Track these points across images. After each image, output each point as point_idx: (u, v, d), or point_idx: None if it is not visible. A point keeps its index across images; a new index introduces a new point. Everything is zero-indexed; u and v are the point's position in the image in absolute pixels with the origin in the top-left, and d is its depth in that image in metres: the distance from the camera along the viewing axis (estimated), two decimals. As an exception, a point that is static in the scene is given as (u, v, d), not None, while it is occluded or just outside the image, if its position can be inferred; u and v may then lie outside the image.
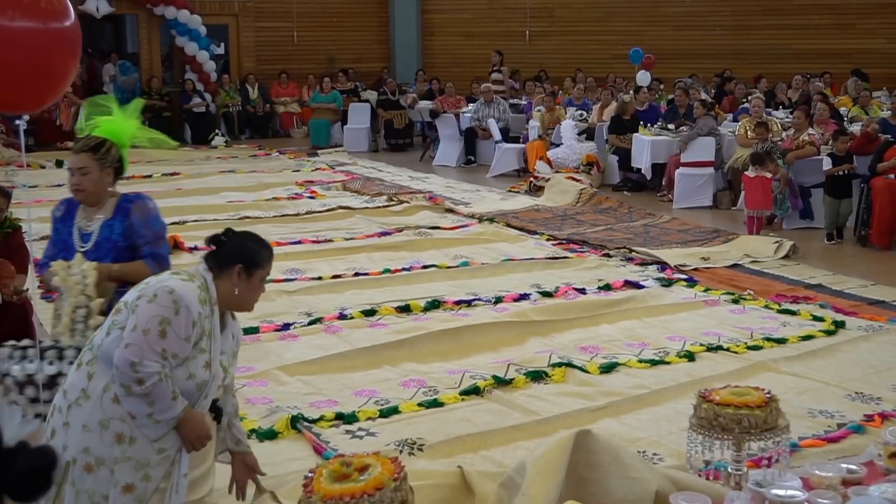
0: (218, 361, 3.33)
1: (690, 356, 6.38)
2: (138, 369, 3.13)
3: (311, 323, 7.08)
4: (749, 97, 13.60)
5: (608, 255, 9.25)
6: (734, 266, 8.93)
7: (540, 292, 7.90)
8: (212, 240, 3.49)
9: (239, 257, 3.39)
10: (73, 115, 16.92)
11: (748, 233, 10.12)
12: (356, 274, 8.52)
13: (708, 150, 12.16)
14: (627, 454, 3.91)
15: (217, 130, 18.43)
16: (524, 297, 7.80)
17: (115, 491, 3.19)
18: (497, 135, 15.33)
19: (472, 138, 15.89)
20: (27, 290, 5.73)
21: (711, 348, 6.53)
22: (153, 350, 3.15)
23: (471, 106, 16.59)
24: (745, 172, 10.38)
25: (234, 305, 3.42)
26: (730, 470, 3.43)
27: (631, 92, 14.86)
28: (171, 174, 14.25)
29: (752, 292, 7.90)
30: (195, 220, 10.73)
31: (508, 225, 10.65)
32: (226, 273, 3.37)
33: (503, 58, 19.36)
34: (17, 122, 3.24)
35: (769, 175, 10.20)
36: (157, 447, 3.22)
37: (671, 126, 13.25)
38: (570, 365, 6.14)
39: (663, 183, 12.75)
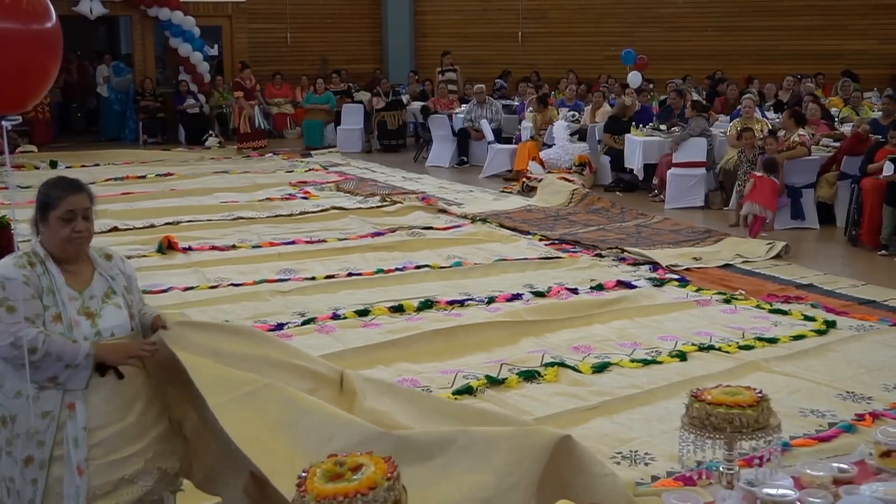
0: (73, 310, 3.40)
1: (682, 356, 6.40)
2: (20, 343, 3.24)
3: (304, 323, 7.10)
4: (743, 97, 13.63)
5: (600, 256, 9.28)
6: (726, 266, 8.96)
7: (532, 292, 7.92)
8: None
9: (36, 208, 3.45)
10: (245, 118, 16.92)
11: (751, 235, 10.07)
12: (349, 274, 8.54)
13: (700, 151, 12.19)
14: (597, 455, 3.94)
15: (211, 131, 18.41)
16: (517, 297, 7.82)
17: (18, 469, 3.32)
18: (490, 135, 15.36)
19: (464, 139, 15.91)
20: None
21: (703, 348, 6.55)
22: (15, 324, 3.26)
23: (464, 107, 16.61)
24: (755, 172, 10.36)
25: (58, 253, 3.44)
26: (721, 469, 3.44)
27: (633, 94, 14.85)
28: (165, 175, 14.24)
29: (743, 292, 7.93)
30: (189, 221, 10.74)
31: (501, 225, 10.67)
32: (39, 228, 3.47)
33: (452, 57, 19.36)
34: (4, 122, 3.25)
35: (776, 180, 10.22)
36: (40, 412, 3.31)
37: (663, 127, 13.29)
38: (562, 365, 6.16)
39: (655, 183, 12.77)
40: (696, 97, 15.17)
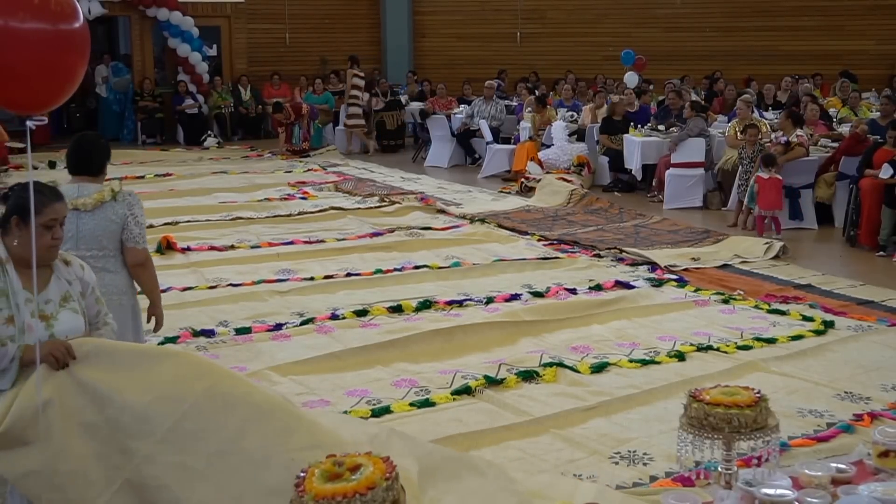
0: (27, 314, 3.41)
1: (681, 356, 6.40)
2: None
3: (303, 323, 7.10)
4: (738, 100, 13.63)
5: (599, 256, 9.28)
6: (724, 266, 8.96)
7: (531, 292, 7.92)
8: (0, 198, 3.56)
9: (14, 210, 3.46)
10: (287, 133, 16.83)
11: (758, 234, 10.10)
12: (348, 274, 8.54)
13: (698, 151, 12.19)
14: None
15: (209, 132, 18.41)
16: (515, 297, 7.82)
17: None
18: (488, 135, 15.35)
19: (466, 139, 15.91)
20: None
21: (702, 348, 6.56)
22: None
23: (462, 107, 16.61)
24: (758, 174, 10.38)
25: (28, 257, 3.38)
26: (720, 469, 3.45)
27: (631, 93, 14.86)
28: (164, 175, 14.25)
29: (742, 292, 7.93)
30: (187, 221, 10.73)
31: (500, 225, 10.67)
32: (8, 228, 3.47)
33: (359, 62, 19.07)
34: (29, 122, 3.27)
35: (780, 177, 10.23)
36: None
37: (661, 127, 13.29)
38: (561, 365, 6.17)
39: (653, 184, 12.78)
40: (695, 97, 15.16)
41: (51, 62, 3.08)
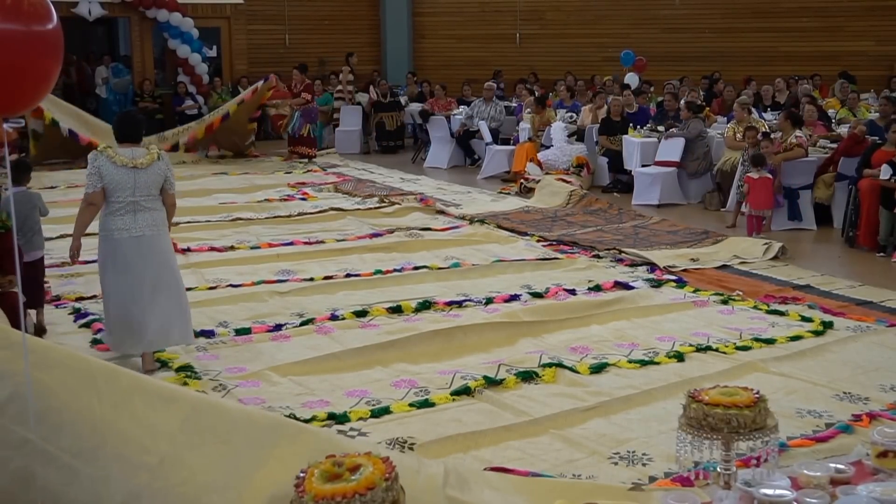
0: None
1: (680, 356, 6.41)
2: None
3: (302, 324, 7.10)
4: (735, 103, 13.65)
5: (598, 256, 9.28)
6: (723, 267, 8.97)
7: (530, 293, 7.93)
8: None
9: None
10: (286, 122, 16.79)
11: (748, 233, 10.16)
12: (348, 275, 8.54)
13: (676, 151, 12.36)
14: None
15: (209, 132, 18.40)
16: (515, 297, 7.83)
17: None
18: (488, 136, 15.36)
19: (466, 140, 15.92)
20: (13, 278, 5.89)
21: (701, 349, 6.56)
22: None
23: (462, 108, 16.61)
24: (748, 174, 10.43)
25: None
26: (719, 469, 3.47)
27: (626, 93, 14.88)
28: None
29: (741, 293, 7.94)
30: (187, 222, 10.72)
31: (499, 226, 10.68)
32: None
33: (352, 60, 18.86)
34: (6, 125, 3.27)
35: (770, 176, 10.29)
36: None
37: (660, 128, 13.30)
38: (560, 365, 6.17)
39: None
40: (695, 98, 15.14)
41: (23, 64, 3.05)
